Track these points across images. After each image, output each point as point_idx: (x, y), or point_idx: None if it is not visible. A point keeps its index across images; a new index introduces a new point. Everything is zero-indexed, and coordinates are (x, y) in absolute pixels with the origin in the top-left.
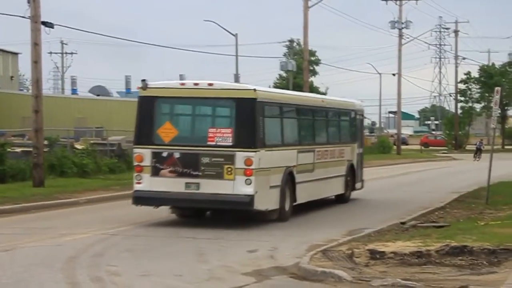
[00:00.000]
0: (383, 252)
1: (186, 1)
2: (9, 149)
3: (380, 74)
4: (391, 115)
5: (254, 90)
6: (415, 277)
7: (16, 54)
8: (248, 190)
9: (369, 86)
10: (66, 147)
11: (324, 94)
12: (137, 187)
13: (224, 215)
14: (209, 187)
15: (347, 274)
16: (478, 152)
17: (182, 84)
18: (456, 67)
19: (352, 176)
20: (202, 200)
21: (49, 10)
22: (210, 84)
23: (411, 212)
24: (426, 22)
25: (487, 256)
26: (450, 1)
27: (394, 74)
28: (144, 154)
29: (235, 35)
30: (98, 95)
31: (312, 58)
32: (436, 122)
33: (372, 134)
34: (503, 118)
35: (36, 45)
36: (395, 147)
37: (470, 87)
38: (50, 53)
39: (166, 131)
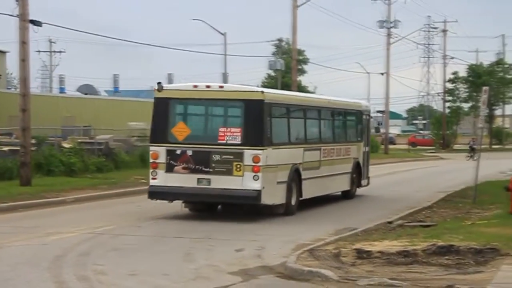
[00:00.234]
0: (369, 251)
1: (175, 0)
2: None
3: (368, 73)
4: (379, 114)
5: (262, 92)
6: (401, 277)
7: (3, 52)
8: (256, 185)
9: (357, 85)
10: (53, 146)
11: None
12: (152, 182)
13: (234, 209)
14: (220, 182)
15: (334, 274)
16: (472, 151)
17: (195, 86)
18: (444, 66)
19: (358, 174)
20: (213, 194)
21: (37, 8)
22: (221, 87)
23: (398, 212)
24: (415, 21)
25: (473, 256)
26: (439, 1)
27: (382, 74)
28: (159, 152)
29: (224, 34)
30: (86, 94)
31: (301, 57)
32: (424, 121)
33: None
34: (490, 117)
35: (24, 43)
36: (382, 146)
37: (458, 86)
38: (38, 51)
39: (180, 130)
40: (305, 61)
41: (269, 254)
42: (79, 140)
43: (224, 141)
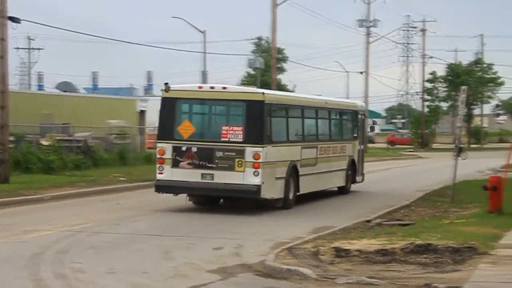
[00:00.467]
0: (348, 250)
1: None
2: None
3: (347, 72)
4: None
5: (263, 93)
6: (379, 275)
7: None
8: (256, 180)
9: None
10: (32, 143)
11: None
12: (159, 177)
13: (235, 203)
14: (222, 177)
15: (312, 272)
16: (459, 149)
17: (200, 87)
18: (423, 66)
19: (353, 171)
20: (216, 189)
21: (15, 5)
22: (224, 88)
23: (377, 210)
24: (394, 20)
25: (451, 254)
26: (418, 0)
27: (361, 72)
28: (165, 148)
29: (203, 32)
30: (64, 91)
31: (280, 56)
32: (403, 120)
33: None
34: (469, 117)
35: (2, 40)
36: None
37: (436, 86)
38: (17, 48)
39: (185, 128)
40: (284, 59)
41: (248, 252)
42: (58, 138)
43: (227, 139)
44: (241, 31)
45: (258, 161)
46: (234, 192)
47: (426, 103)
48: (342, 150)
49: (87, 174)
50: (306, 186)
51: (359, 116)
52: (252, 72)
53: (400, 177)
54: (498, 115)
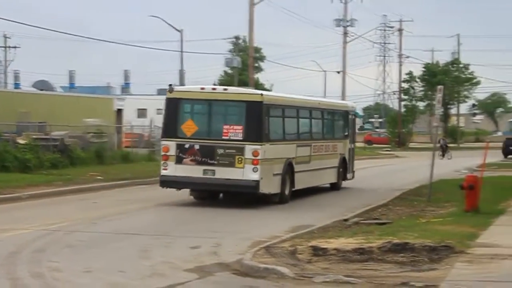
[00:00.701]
0: (325, 248)
1: None
2: None
3: (325, 71)
4: None
5: (261, 94)
6: (357, 274)
7: None
8: (255, 176)
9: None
10: (8, 141)
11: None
12: (163, 172)
13: (234, 197)
14: (223, 173)
15: (290, 271)
16: (444, 149)
17: (202, 88)
18: (400, 65)
19: (344, 168)
20: (217, 184)
21: None
22: (225, 89)
23: (354, 209)
24: (371, 20)
25: (428, 253)
26: (395, 0)
27: (338, 72)
28: (169, 146)
29: (181, 31)
30: (41, 90)
31: (258, 55)
32: (380, 120)
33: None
34: (445, 116)
35: None
36: None
37: (413, 85)
38: None
39: (188, 127)
40: (262, 58)
41: (225, 251)
42: (34, 136)
43: (228, 137)
44: (219, 30)
45: (257, 158)
46: (234, 187)
47: (403, 103)
48: (334, 149)
49: (64, 173)
50: (301, 182)
51: (350, 116)
52: (230, 71)
53: (377, 176)
54: (474, 114)
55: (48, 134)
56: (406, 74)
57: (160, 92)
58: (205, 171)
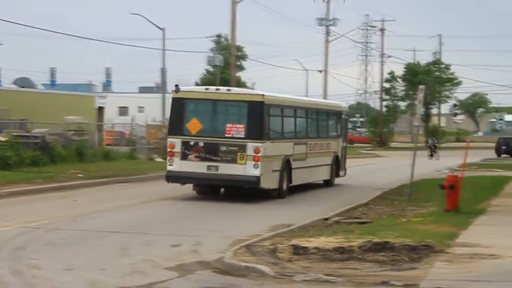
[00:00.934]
0: (306, 247)
1: None
2: None
3: (307, 70)
4: None
5: (263, 95)
6: (337, 273)
7: None
8: (256, 172)
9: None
10: None
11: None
12: (169, 168)
13: (235, 193)
14: (226, 169)
15: (270, 269)
16: (433, 149)
17: (207, 89)
18: (382, 65)
19: (337, 165)
20: (220, 179)
21: None
22: (228, 90)
23: (335, 208)
24: (353, 19)
25: (408, 252)
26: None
27: (320, 71)
28: (175, 143)
29: (163, 29)
30: (22, 87)
31: (240, 53)
32: (361, 119)
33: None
34: (427, 116)
35: None
36: None
37: (394, 85)
38: None
39: (193, 125)
40: (244, 57)
41: (206, 249)
42: (15, 134)
43: (230, 135)
44: (201, 28)
45: (258, 155)
46: (237, 182)
47: (385, 102)
48: (327, 147)
49: (45, 170)
50: (298, 178)
51: (343, 116)
52: (212, 70)
53: (358, 175)
54: (455, 114)
55: (29, 132)
56: (388, 73)
57: (142, 90)
58: (209, 167)
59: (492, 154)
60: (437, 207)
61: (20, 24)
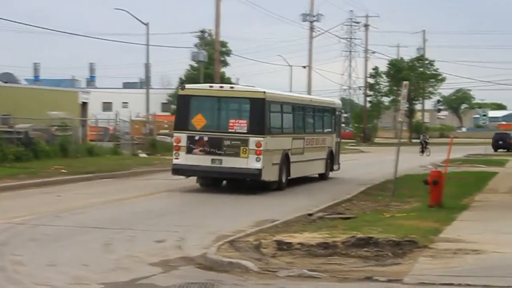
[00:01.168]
0: (290, 243)
1: None
2: None
3: (290, 66)
4: None
5: (264, 92)
6: (321, 268)
7: None
8: (258, 165)
9: (280, 78)
10: None
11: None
12: (175, 161)
13: (237, 185)
14: (229, 162)
15: (254, 265)
16: (424, 145)
17: (211, 86)
18: (366, 61)
19: (331, 160)
20: (224, 172)
21: None
22: (232, 87)
23: (319, 204)
24: (338, 15)
25: (392, 248)
26: None
27: (304, 67)
28: (181, 137)
29: (147, 25)
30: (5, 82)
31: (224, 49)
32: (345, 115)
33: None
34: (410, 112)
35: None
36: None
37: (378, 81)
38: None
39: (198, 121)
40: (228, 53)
41: (189, 245)
42: None
43: (233, 130)
44: (185, 24)
45: (260, 149)
46: (239, 175)
47: (369, 98)
48: (323, 142)
49: (28, 166)
50: (295, 171)
51: (336, 113)
52: (196, 65)
53: (341, 171)
54: (439, 110)
55: (12, 127)
56: (372, 69)
57: (126, 85)
58: (213, 160)
59: (476, 150)
60: (420, 202)
61: (2, 19)
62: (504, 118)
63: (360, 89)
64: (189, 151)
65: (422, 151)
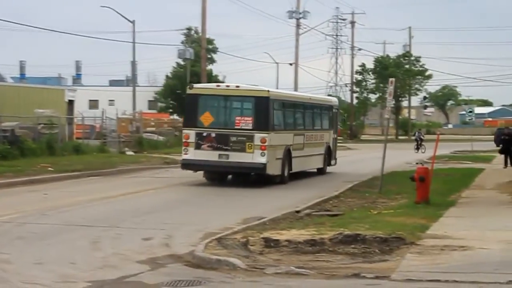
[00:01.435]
0: (277, 240)
1: None
2: None
3: (277, 63)
4: None
5: (268, 91)
6: (308, 265)
7: None
8: (263, 160)
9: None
10: None
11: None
12: (184, 157)
13: (242, 179)
14: (235, 157)
15: (242, 262)
16: (419, 142)
17: (218, 85)
18: (352, 58)
19: (329, 155)
20: (230, 166)
21: None
22: (237, 86)
23: (306, 201)
24: (324, 12)
25: (379, 245)
26: None
27: (291, 64)
28: (190, 134)
29: (133, 22)
30: None
31: (210, 46)
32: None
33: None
34: (397, 108)
35: None
36: None
37: (365, 78)
38: None
39: (206, 118)
40: (214, 50)
41: (177, 242)
42: None
43: (239, 127)
44: (172, 21)
45: (264, 144)
46: (245, 169)
47: (355, 95)
48: (321, 138)
49: (14, 164)
50: (296, 166)
51: (334, 110)
52: (182, 63)
53: (328, 168)
54: (425, 107)
55: None
56: (359, 66)
57: (112, 83)
58: (220, 156)
59: (463, 146)
60: (407, 199)
61: None
62: (490, 114)
63: (346, 86)
64: (198, 147)
65: (417, 148)
